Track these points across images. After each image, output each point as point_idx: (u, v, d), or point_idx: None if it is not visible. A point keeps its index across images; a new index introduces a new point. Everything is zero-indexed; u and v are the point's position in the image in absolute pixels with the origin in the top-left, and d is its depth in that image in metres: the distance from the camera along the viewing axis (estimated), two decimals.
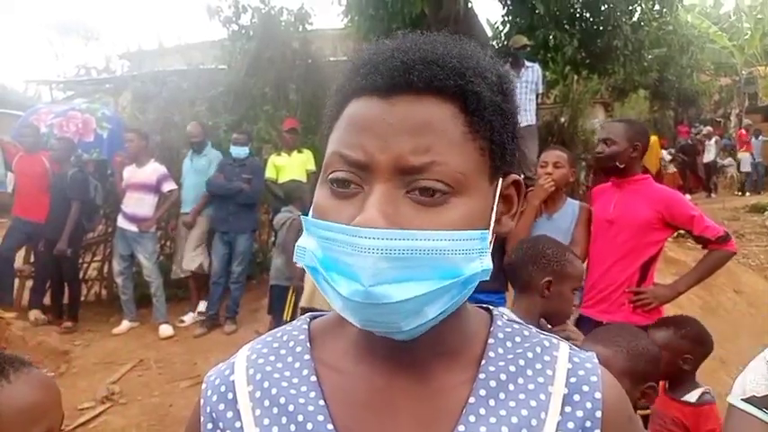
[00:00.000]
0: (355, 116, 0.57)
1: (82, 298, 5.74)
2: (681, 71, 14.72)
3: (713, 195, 12.97)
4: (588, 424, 0.60)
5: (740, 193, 13.31)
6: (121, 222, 5.33)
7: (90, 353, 4.87)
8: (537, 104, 6.33)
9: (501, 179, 0.61)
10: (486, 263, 0.57)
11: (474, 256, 0.56)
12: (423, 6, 6.61)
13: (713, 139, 13.95)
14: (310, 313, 0.73)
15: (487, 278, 0.57)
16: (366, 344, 0.63)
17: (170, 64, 9.65)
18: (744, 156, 13.90)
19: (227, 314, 5.33)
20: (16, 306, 5.49)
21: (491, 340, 0.64)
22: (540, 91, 6.30)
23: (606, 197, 2.80)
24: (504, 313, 0.70)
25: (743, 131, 14.80)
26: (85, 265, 6.19)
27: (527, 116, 6.19)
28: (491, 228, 0.59)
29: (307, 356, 0.65)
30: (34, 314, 5.46)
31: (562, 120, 9.30)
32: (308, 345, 0.66)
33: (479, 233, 0.56)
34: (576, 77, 9.14)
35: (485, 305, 0.70)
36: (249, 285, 6.10)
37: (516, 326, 0.68)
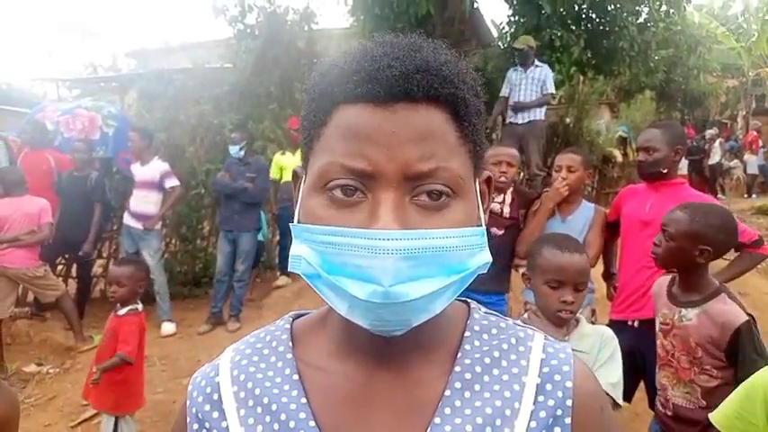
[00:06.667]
0: (353, 124, 0.57)
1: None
2: (687, 72, 14.66)
3: (720, 197, 12.91)
4: (559, 412, 0.61)
5: (747, 195, 13.24)
6: (127, 220, 5.35)
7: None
8: (545, 103, 6.31)
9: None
10: (487, 256, 0.61)
11: (476, 251, 0.59)
12: (428, 6, 6.60)
13: (717, 141, 13.87)
14: (293, 313, 0.74)
15: (485, 271, 0.61)
16: (348, 341, 0.64)
17: (176, 62, 9.68)
18: (750, 158, 13.82)
19: (231, 312, 5.36)
20: (22, 302, 5.53)
21: (467, 333, 0.66)
22: (550, 91, 6.28)
23: (640, 198, 2.79)
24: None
25: (754, 133, 14.68)
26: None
27: (532, 112, 6.19)
28: (483, 223, 0.63)
29: (289, 355, 0.66)
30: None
31: (567, 120, 9.30)
32: (290, 344, 0.68)
33: (480, 229, 0.60)
34: (581, 78, 9.13)
35: (463, 298, 0.71)
36: (253, 284, 6.13)
37: (493, 318, 0.69)
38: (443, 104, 0.58)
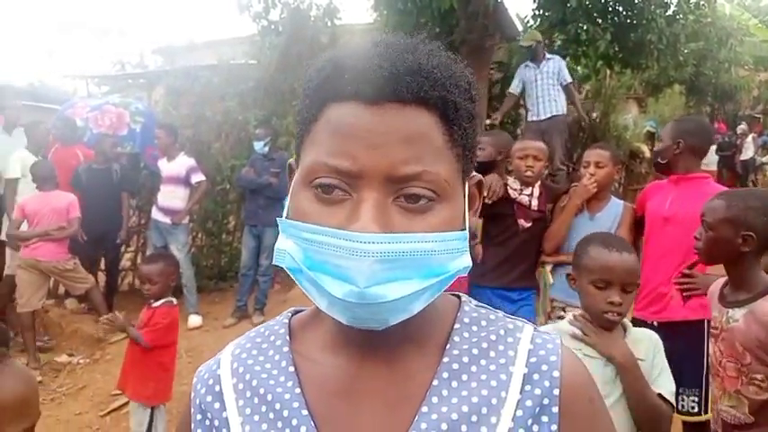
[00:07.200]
0: (341, 122, 0.57)
1: None
2: (718, 66, 14.29)
3: None
4: (546, 401, 0.61)
5: None
6: (155, 214, 5.47)
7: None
8: (566, 96, 6.26)
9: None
10: (467, 260, 0.61)
11: (456, 255, 0.60)
12: (452, 1, 6.54)
13: (750, 136, 13.52)
14: (292, 308, 0.76)
15: (466, 274, 0.61)
16: (341, 335, 0.66)
17: (201, 59, 9.78)
18: None
19: (256, 305, 5.44)
20: (53, 294, 5.67)
21: (457, 325, 0.67)
22: (568, 80, 6.24)
23: (662, 194, 2.75)
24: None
25: None
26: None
27: (553, 106, 6.15)
28: (467, 227, 0.63)
29: (286, 349, 0.69)
30: (70, 303, 5.64)
31: (594, 115, 9.14)
32: (287, 338, 0.70)
33: (461, 234, 0.61)
34: (608, 72, 8.95)
35: (455, 292, 0.72)
36: (277, 278, 6.19)
37: (483, 311, 0.70)
38: (433, 107, 0.58)
